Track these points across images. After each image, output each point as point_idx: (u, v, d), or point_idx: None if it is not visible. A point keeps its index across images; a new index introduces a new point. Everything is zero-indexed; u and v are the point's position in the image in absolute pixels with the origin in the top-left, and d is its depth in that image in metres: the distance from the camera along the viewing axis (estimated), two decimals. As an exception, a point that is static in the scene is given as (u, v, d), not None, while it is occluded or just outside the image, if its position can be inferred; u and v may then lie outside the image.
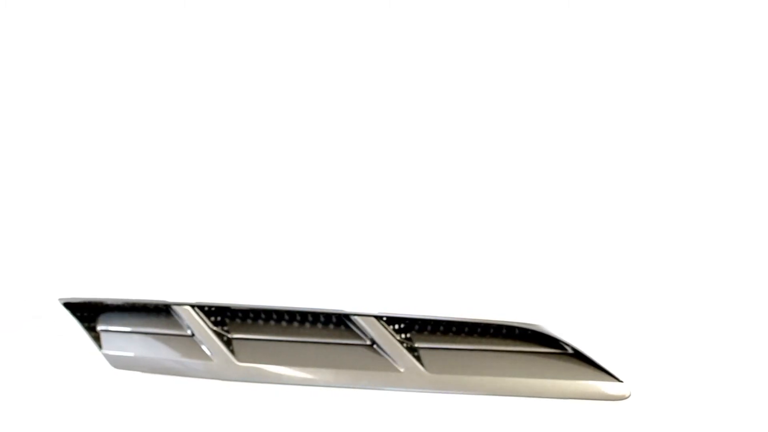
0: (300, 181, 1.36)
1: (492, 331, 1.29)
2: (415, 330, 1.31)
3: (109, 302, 1.42)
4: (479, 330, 1.30)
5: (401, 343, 1.30)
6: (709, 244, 1.25)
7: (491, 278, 1.28)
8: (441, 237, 1.30)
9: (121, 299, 1.40)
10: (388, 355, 1.30)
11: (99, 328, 1.44)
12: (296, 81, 1.42)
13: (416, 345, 1.31)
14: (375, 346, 1.31)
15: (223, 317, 1.36)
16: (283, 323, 1.35)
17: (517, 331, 1.28)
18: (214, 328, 1.35)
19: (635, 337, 1.25)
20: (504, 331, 1.29)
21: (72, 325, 1.43)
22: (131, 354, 1.41)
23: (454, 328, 1.31)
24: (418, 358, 1.30)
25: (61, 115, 1.52)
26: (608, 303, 1.25)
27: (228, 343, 1.35)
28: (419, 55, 1.38)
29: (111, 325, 1.43)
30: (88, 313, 1.44)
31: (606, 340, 1.25)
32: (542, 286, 1.27)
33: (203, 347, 1.36)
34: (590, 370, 1.26)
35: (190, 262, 1.36)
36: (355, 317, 1.30)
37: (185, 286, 1.36)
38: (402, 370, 1.30)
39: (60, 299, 1.43)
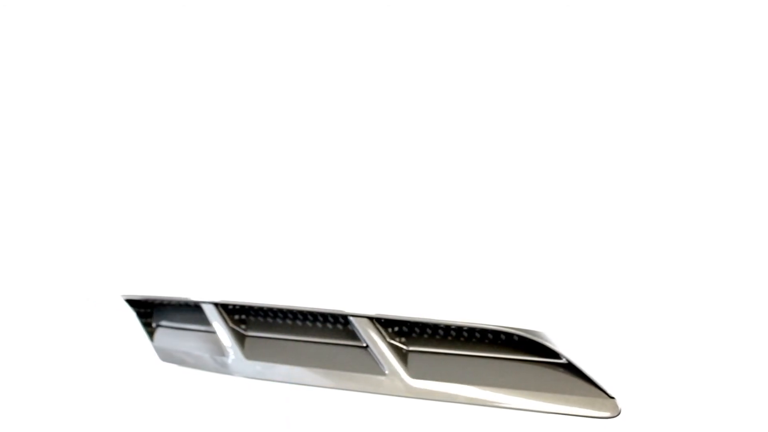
0: (309, 189, 1.38)
1: (491, 336, 1.24)
2: (415, 333, 1.29)
3: (160, 300, 1.52)
4: (478, 335, 1.25)
5: (390, 345, 1.28)
6: (717, 258, 1.12)
7: (495, 284, 1.23)
8: (448, 243, 1.26)
9: (167, 297, 1.49)
10: (377, 358, 1.28)
11: (155, 323, 1.54)
12: (301, 88, 1.44)
13: (410, 348, 1.28)
14: (368, 348, 1.30)
15: (247, 315, 1.41)
16: (297, 323, 1.37)
17: (516, 338, 1.22)
18: (232, 325, 1.40)
19: (632, 354, 1.14)
20: (503, 337, 1.23)
21: (129, 318, 1.54)
22: (175, 348, 1.49)
23: (453, 333, 1.26)
24: (404, 363, 1.27)
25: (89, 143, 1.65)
26: (612, 316, 1.16)
27: (242, 340, 1.40)
28: (419, 55, 1.35)
29: (161, 320, 1.53)
30: (145, 309, 1.56)
31: (604, 354, 1.16)
32: (546, 294, 1.19)
33: (222, 344, 1.42)
34: (581, 384, 1.17)
35: (214, 265, 1.43)
36: (352, 318, 1.30)
37: (210, 286, 1.42)
38: (386, 374, 1.27)
39: (122, 296, 1.55)
